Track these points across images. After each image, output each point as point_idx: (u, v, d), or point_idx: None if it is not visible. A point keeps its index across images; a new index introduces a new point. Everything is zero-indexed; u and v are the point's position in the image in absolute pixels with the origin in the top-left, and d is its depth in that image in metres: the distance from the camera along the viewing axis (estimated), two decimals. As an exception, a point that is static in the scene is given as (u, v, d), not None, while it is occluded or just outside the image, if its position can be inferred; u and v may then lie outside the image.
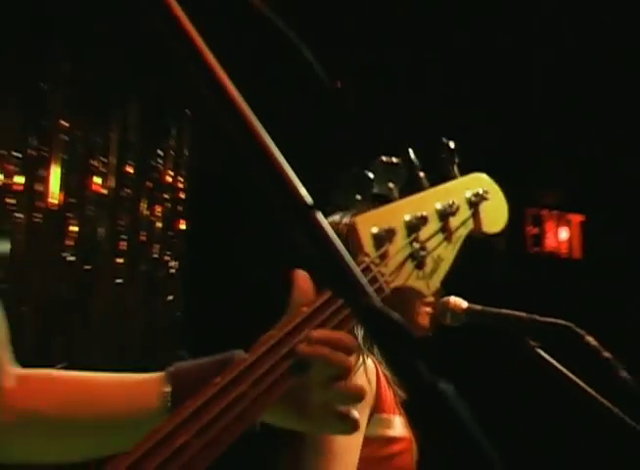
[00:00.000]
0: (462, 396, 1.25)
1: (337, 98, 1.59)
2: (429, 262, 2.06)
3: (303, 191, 1.35)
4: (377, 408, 3.81)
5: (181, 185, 6.55)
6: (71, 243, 6.17)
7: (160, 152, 6.47)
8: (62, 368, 2.15)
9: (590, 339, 3.70)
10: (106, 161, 6.35)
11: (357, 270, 1.32)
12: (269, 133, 1.37)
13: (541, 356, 3.80)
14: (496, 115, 6.89)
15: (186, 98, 6.54)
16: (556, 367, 3.81)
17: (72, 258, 6.14)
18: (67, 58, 6.04)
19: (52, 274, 6.17)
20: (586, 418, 4.15)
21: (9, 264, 5.97)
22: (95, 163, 6.31)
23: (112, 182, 6.35)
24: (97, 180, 6.30)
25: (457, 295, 4.04)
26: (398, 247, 2.02)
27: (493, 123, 6.75)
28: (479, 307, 3.99)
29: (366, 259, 1.95)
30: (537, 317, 3.88)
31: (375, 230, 1.99)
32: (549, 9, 7.33)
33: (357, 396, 1.85)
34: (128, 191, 6.42)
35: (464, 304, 3.98)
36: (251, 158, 1.37)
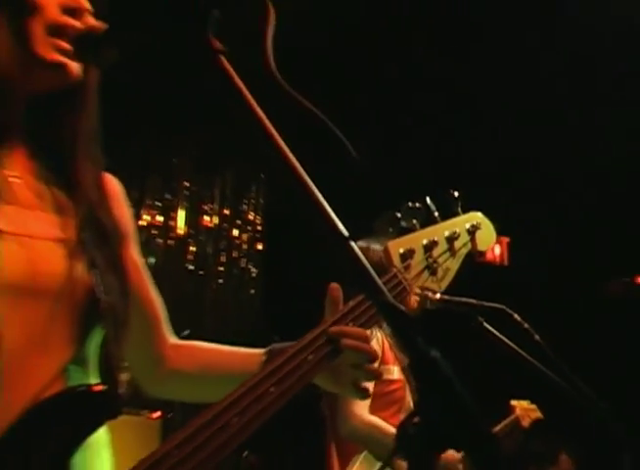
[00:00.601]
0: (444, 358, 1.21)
1: (361, 166, 1.41)
2: (439, 271, 2.05)
3: (341, 226, 1.33)
4: (382, 361, 3.97)
5: (258, 221, 6.68)
6: (191, 258, 6.39)
7: (245, 200, 6.64)
8: (186, 336, 2.09)
9: (516, 316, 3.93)
10: (212, 206, 6.54)
11: (377, 279, 1.31)
12: (318, 188, 1.35)
13: (486, 328, 3.93)
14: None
15: (262, 166, 6.43)
16: (495, 335, 3.92)
17: (192, 268, 6.35)
18: (189, 145, 6.36)
19: (178, 277, 6.34)
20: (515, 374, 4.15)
21: (152, 272, 6.08)
22: (205, 207, 6.50)
23: (215, 220, 6.55)
24: (207, 218, 6.51)
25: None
26: (417, 261, 2.02)
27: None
28: (446, 297, 3.92)
29: (394, 270, 1.96)
30: (483, 303, 4.03)
31: (401, 251, 2.00)
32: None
33: (374, 377, 1.84)
34: (225, 225, 6.60)
35: (437, 295, 3.85)
36: (307, 205, 1.35)
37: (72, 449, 1.49)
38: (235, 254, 6.62)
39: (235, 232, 6.65)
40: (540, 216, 6.82)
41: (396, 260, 1.99)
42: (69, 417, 1.50)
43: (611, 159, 6.17)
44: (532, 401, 4.44)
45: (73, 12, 1.60)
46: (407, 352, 1.26)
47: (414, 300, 4.12)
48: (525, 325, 3.84)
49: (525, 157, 6.39)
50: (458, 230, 2.12)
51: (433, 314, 4.08)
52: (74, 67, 1.62)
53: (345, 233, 1.33)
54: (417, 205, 2.10)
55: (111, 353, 1.63)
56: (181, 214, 6.40)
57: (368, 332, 1.78)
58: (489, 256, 7.46)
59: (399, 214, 2.09)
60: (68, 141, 1.68)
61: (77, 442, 1.50)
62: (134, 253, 1.88)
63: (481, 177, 5.96)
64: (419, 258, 2.03)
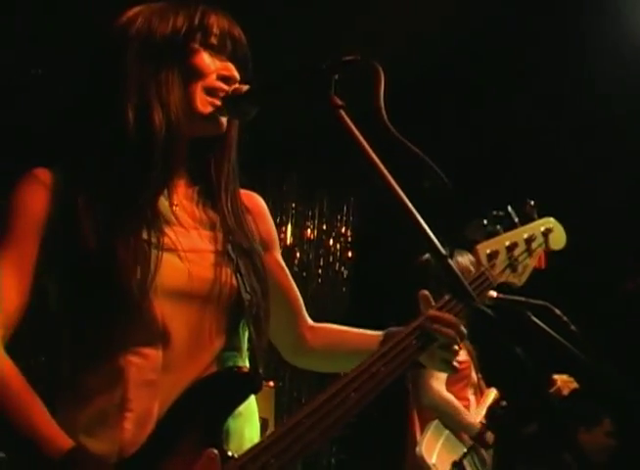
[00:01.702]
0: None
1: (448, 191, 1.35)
2: (519, 268, 1.99)
3: (440, 245, 1.29)
4: None
5: (349, 234, 6.58)
6: (297, 263, 6.31)
7: (338, 217, 6.56)
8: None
9: (557, 311, 3.51)
10: (313, 222, 6.47)
11: (469, 287, 1.29)
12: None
13: (534, 321, 3.78)
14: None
15: (352, 191, 6.58)
16: (541, 327, 3.76)
17: (297, 270, 6.22)
18: (295, 176, 6.39)
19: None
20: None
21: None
22: (308, 223, 6.45)
23: (316, 233, 6.51)
24: (309, 232, 6.46)
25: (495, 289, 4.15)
26: (501, 260, 1.95)
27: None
28: (501, 295, 4.02)
29: (482, 268, 1.91)
30: (530, 300, 3.51)
31: (488, 252, 1.95)
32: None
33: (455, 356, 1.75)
34: (323, 237, 6.51)
35: (495, 293, 4.15)
36: (411, 229, 1.30)
37: (224, 418, 1.50)
38: (330, 260, 6.56)
39: (330, 242, 6.59)
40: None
41: (484, 260, 1.94)
42: (221, 392, 1.51)
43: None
44: (571, 375, 4.33)
45: (227, 79, 1.63)
46: (490, 346, 1.25)
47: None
48: (564, 318, 3.71)
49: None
50: (535, 233, 2.04)
51: (490, 309, 4.03)
52: (223, 120, 1.65)
53: (444, 252, 1.28)
54: (500, 212, 2.05)
55: (254, 342, 1.62)
56: (289, 229, 6.41)
57: (456, 320, 1.72)
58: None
59: (485, 221, 2.03)
60: (215, 174, 1.70)
61: (228, 411, 1.51)
62: (278, 256, 1.86)
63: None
64: (502, 257, 1.97)
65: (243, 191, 1.79)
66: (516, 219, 2.04)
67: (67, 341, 1.55)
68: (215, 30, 1.63)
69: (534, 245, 2.03)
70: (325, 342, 1.90)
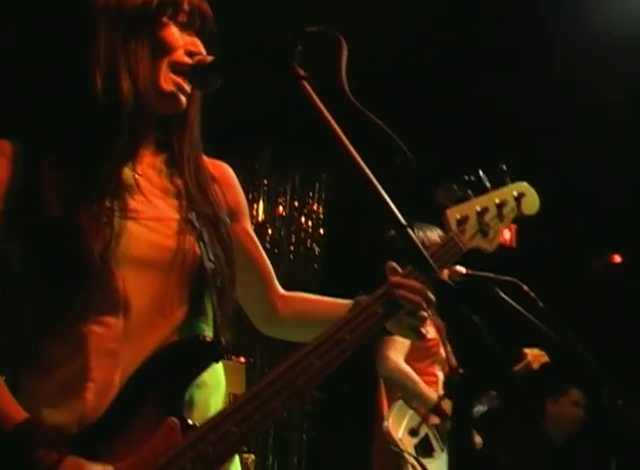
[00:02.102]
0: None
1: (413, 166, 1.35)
2: (490, 233, 1.94)
3: (400, 215, 1.29)
4: None
5: (321, 210, 6.61)
6: (267, 239, 6.32)
7: (310, 194, 6.58)
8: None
9: (528, 289, 3.71)
10: (284, 199, 6.50)
11: (429, 257, 1.29)
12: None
13: (502, 297, 3.72)
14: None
15: (323, 167, 6.57)
16: (508, 302, 3.72)
17: (269, 247, 6.25)
18: (267, 152, 6.39)
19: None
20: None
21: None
22: (279, 200, 6.46)
23: (287, 209, 6.52)
24: (280, 208, 6.49)
25: (461, 264, 3.92)
26: (471, 226, 1.91)
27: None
28: (470, 271, 3.92)
29: (452, 234, 1.86)
30: (499, 276, 3.84)
31: (458, 217, 1.90)
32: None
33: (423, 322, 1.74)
34: (295, 214, 6.53)
35: (464, 269, 3.95)
36: (371, 198, 1.31)
37: (185, 386, 1.50)
38: (302, 236, 6.56)
39: (302, 219, 6.59)
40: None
41: (453, 226, 1.89)
42: (182, 360, 1.51)
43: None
44: (541, 350, 4.40)
45: (194, 55, 1.63)
46: (452, 317, 1.24)
47: (445, 274, 4.04)
48: (532, 294, 3.75)
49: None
50: (507, 198, 1.99)
51: (459, 286, 4.05)
52: (183, 99, 1.65)
53: (404, 222, 1.29)
54: (471, 177, 1.99)
55: (215, 310, 1.62)
56: (260, 206, 6.41)
57: (422, 286, 1.70)
58: (502, 239, 7.36)
59: (455, 186, 1.97)
60: (177, 145, 1.70)
61: (189, 380, 1.51)
62: (247, 226, 1.86)
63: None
64: (473, 222, 1.92)
65: (211, 160, 1.79)
66: (488, 184, 2.00)
67: (28, 309, 1.54)
68: (186, 6, 1.64)
69: (506, 210, 1.99)
70: (296, 311, 1.90)
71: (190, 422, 1.45)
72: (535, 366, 4.28)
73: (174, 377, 1.49)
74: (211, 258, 1.60)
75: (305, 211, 6.58)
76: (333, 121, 1.36)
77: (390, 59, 5.27)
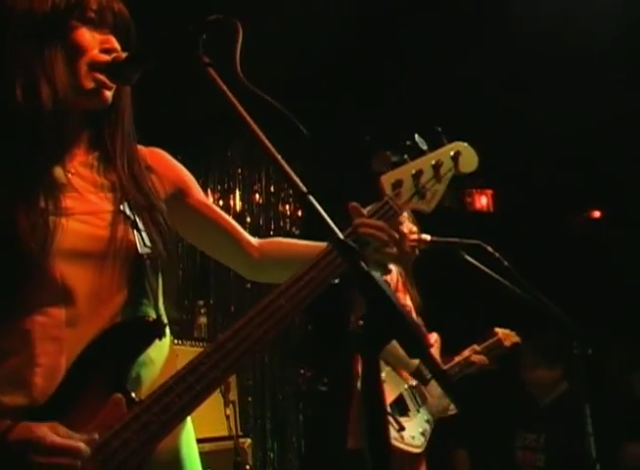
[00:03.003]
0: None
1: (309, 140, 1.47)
2: (428, 195, 1.97)
3: (300, 183, 1.37)
4: (394, 290, 3.97)
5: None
6: (245, 225, 6.28)
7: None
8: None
9: (489, 248, 3.77)
10: (260, 187, 6.56)
11: (331, 223, 1.36)
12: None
13: (468, 260, 3.89)
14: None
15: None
16: (475, 265, 3.87)
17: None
18: (238, 141, 6.39)
19: None
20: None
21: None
22: (256, 188, 6.52)
23: (264, 196, 6.59)
24: (257, 196, 6.54)
25: (426, 232, 4.02)
26: (407, 189, 1.94)
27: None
28: (435, 238, 3.94)
29: (386, 198, 1.90)
30: (464, 240, 3.94)
31: (392, 181, 1.94)
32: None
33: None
34: (272, 199, 6.61)
35: (428, 237, 3.96)
36: (276, 168, 1.42)
37: (128, 364, 1.60)
38: (281, 223, 6.62)
39: (279, 204, 6.64)
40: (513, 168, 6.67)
41: (388, 191, 1.93)
42: (123, 340, 1.61)
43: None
44: (512, 329, 4.50)
45: (109, 51, 1.71)
46: (354, 275, 1.30)
47: (408, 246, 4.10)
48: (497, 255, 3.83)
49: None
50: (442, 158, 2.01)
51: (426, 253, 4.12)
52: (107, 94, 1.73)
53: (304, 189, 1.38)
54: (407, 142, 2.02)
55: (154, 291, 1.71)
56: (237, 195, 6.47)
57: (383, 223, 1.82)
58: (478, 205, 7.37)
59: (389, 152, 2.01)
60: (109, 141, 1.79)
61: (131, 358, 1.61)
62: (198, 195, 1.96)
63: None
64: (408, 185, 1.95)
65: (145, 149, 1.88)
66: (424, 147, 2.02)
67: None
68: (93, 5, 1.71)
69: (443, 170, 2.01)
70: (274, 254, 2.02)
71: (134, 397, 1.56)
72: (507, 344, 4.39)
73: (117, 356, 1.58)
74: (147, 243, 1.70)
75: (282, 195, 6.63)
76: (237, 104, 1.46)
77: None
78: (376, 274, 1.30)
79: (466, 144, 2.06)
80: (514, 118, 6.08)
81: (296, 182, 1.39)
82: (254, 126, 1.45)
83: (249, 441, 5.08)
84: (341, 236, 1.37)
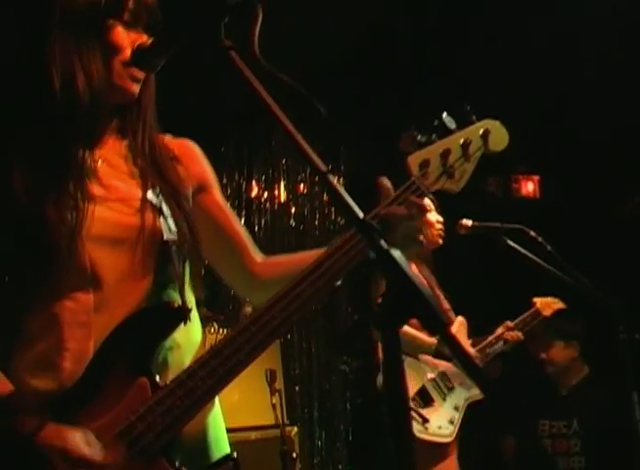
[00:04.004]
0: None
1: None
2: (456, 174, 1.93)
3: (319, 162, 1.36)
4: None
5: (343, 181, 6.51)
6: (290, 215, 6.43)
7: (330, 167, 6.43)
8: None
9: (532, 233, 3.82)
10: (305, 176, 6.51)
11: (351, 203, 1.33)
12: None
13: (510, 245, 3.94)
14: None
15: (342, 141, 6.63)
16: (517, 249, 3.90)
17: (294, 224, 6.36)
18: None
19: (285, 233, 6.36)
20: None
21: (265, 230, 6.32)
22: (300, 177, 6.46)
23: (309, 186, 6.52)
24: (301, 186, 6.52)
25: (468, 217, 4.12)
26: (434, 168, 1.91)
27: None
28: (476, 223, 4.06)
29: (413, 178, 1.87)
30: (505, 225, 3.99)
31: (419, 161, 1.91)
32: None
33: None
34: (317, 189, 6.52)
35: (470, 222, 4.08)
36: (296, 151, 1.38)
37: (153, 348, 1.62)
38: (326, 211, 6.54)
39: (324, 194, 6.54)
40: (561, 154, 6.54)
41: (416, 171, 1.89)
42: (147, 325, 1.63)
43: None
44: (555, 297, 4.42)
45: None
46: (374, 251, 1.28)
47: (434, 235, 4.08)
48: (540, 239, 3.80)
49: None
50: (471, 137, 1.96)
51: (467, 237, 4.10)
52: (134, 88, 1.75)
53: (323, 168, 1.36)
54: (435, 121, 1.98)
55: (179, 277, 1.73)
56: (282, 185, 6.44)
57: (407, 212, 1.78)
58: (525, 191, 7.29)
59: (416, 131, 1.97)
60: (132, 131, 1.82)
61: (156, 342, 1.63)
62: (217, 197, 1.94)
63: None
64: (435, 165, 1.91)
65: (175, 140, 1.90)
66: (453, 126, 1.98)
67: (6, 292, 1.66)
68: (130, 4, 1.74)
69: (472, 149, 1.97)
70: (274, 273, 1.95)
71: (159, 381, 1.58)
72: (547, 313, 4.30)
73: (142, 341, 1.61)
74: (173, 230, 1.72)
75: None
76: (259, 87, 1.45)
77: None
78: (396, 253, 1.28)
79: (496, 122, 2.01)
80: (563, 105, 6.02)
81: (315, 161, 1.37)
82: (275, 107, 1.44)
83: (295, 429, 5.11)
84: (361, 215, 1.34)
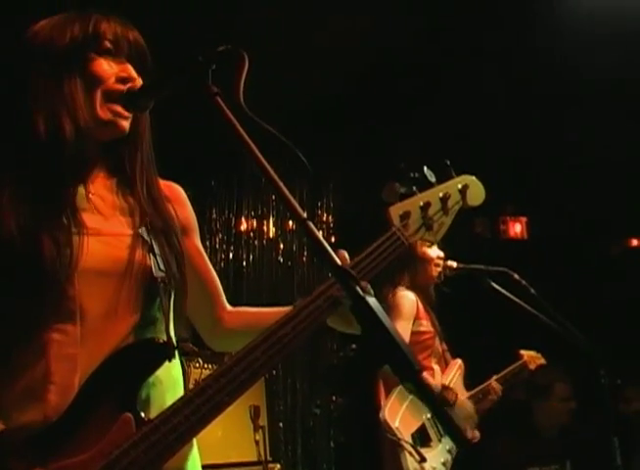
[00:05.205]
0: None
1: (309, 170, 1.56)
2: (435, 226, 2.01)
3: (300, 210, 1.44)
4: (416, 317, 4.03)
5: (330, 220, 6.71)
6: (279, 251, 6.46)
7: (318, 205, 6.69)
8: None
9: (516, 276, 3.91)
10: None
11: (329, 250, 1.40)
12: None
13: (493, 287, 4.04)
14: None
15: (330, 178, 6.73)
16: (500, 291, 4.01)
17: (282, 260, 6.38)
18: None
19: (273, 268, 6.36)
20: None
21: (252, 265, 6.35)
22: (289, 214, 6.60)
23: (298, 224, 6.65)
24: (290, 222, 6.54)
25: (454, 259, 4.22)
26: (414, 220, 1.98)
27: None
28: (461, 265, 4.17)
29: (394, 228, 1.93)
30: (489, 267, 4.09)
31: (400, 213, 1.98)
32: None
33: None
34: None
35: (455, 263, 4.18)
36: (278, 196, 1.46)
37: (138, 384, 1.65)
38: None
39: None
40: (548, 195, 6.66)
41: (396, 222, 1.96)
42: (134, 360, 1.66)
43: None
44: (537, 351, 4.50)
45: (125, 80, 1.78)
46: (349, 298, 1.35)
47: (435, 270, 4.15)
48: (523, 282, 3.86)
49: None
50: (450, 191, 2.05)
51: (452, 279, 4.16)
52: (124, 123, 1.79)
53: (304, 216, 1.43)
54: (416, 174, 2.06)
55: (165, 313, 1.75)
56: (271, 221, 6.52)
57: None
58: (512, 233, 7.40)
59: (398, 184, 2.04)
60: (129, 165, 1.86)
61: (141, 378, 1.66)
62: (197, 242, 2.00)
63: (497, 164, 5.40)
64: (415, 217, 1.99)
65: (163, 181, 1.94)
66: (433, 179, 2.06)
67: None
68: (109, 36, 1.78)
69: (450, 203, 2.05)
70: (242, 322, 2.03)
71: (144, 417, 1.61)
72: (532, 367, 4.39)
73: (128, 376, 1.63)
74: (162, 267, 1.75)
75: (315, 221, 6.66)
76: (243, 132, 1.52)
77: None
78: (371, 299, 1.35)
79: (474, 178, 2.10)
80: (549, 146, 6.11)
81: (296, 208, 1.44)
82: (259, 155, 1.52)
83: (278, 466, 5.11)
84: (339, 263, 1.41)
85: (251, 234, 6.44)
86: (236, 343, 1.93)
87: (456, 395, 3.98)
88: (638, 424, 5.05)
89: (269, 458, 4.90)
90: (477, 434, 4.09)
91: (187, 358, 4.62)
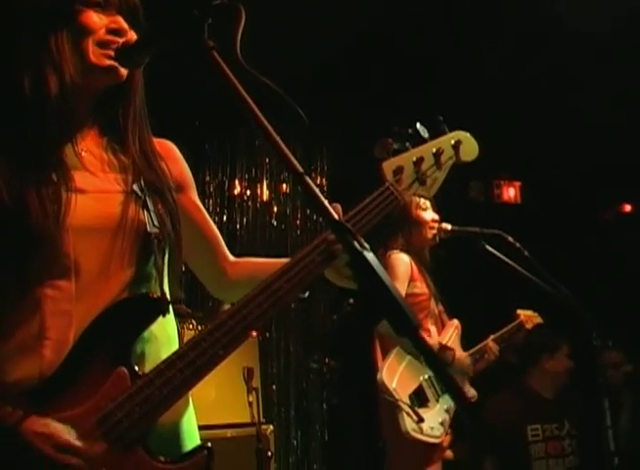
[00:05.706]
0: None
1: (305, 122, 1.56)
2: (428, 182, 2.02)
3: (296, 163, 1.41)
4: (410, 279, 4.00)
5: (324, 183, 6.72)
6: (272, 214, 6.49)
7: (312, 168, 6.65)
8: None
9: (510, 238, 3.96)
10: (287, 175, 6.48)
11: (326, 204, 1.39)
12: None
13: (488, 250, 4.03)
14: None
15: (324, 140, 6.72)
16: (495, 254, 4.01)
17: (275, 223, 6.40)
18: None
19: (266, 231, 6.39)
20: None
21: (247, 228, 6.41)
22: (283, 176, 6.52)
23: (291, 185, 6.56)
24: (284, 186, 6.58)
25: (449, 222, 4.18)
26: (407, 175, 1.98)
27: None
28: (456, 228, 4.14)
29: (387, 183, 1.94)
30: (484, 230, 4.09)
31: (393, 168, 1.98)
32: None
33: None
34: (299, 189, 6.70)
35: (449, 226, 4.15)
36: (273, 150, 1.43)
37: (132, 339, 1.66)
38: (308, 211, 6.59)
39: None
40: (542, 160, 6.65)
41: (390, 177, 1.97)
42: (127, 315, 1.66)
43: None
44: (534, 310, 4.52)
45: (117, 32, 1.76)
46: (347, 252, 1.34)
47: (430, 232, 4.15)
48: (517, 245, 3.87)
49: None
50: (443, 147, 2.05)
51: (447, 241, 4.16)
52: (122, 70, 1.77)
53: (300, 169, 1.41)
54: (409, 130, 2.06)
55: (160, 269, 1.76)
56: (265, 183, 6.50)
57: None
58: (506, 197, 7.42)
59: (391, 139, 2.04)
60: (122, 120, 1.85)
61: (135, 333, 1.67)
62: (194, 197, 2.00)
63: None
64: (408, 172, 2.00)
65: (156, 139, 1.93)
66: (426, 135, 2.06)
67: None
68: None
69: (444, 158, 2.06)
70: (245, 273, 2.04)
71: (138, 371, 1.62)
72: (528, 326, 4.42)
73: (122, 331, 1.64)
74: (155, 223, 1.75)
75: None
76: (239, 87, 1.49)
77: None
78: (369, 254, 1.34)
79: (467, 133, 2.10)
80: (545, 111, 6.08)
81: (292, 162, 1.42)
82: (255, 110, 1.49)
83: (271, 428, 5.14)
84: (336, 217, 1.40)
85: (245, 197, 6.44)
86: (242, 293, 1.93)
87: (453, 353, 4.00)
88: (626, 385, 5.10)
89: (262, 420, 4.92)
90: (473, 392, 4.12)
91: (180, 320, 4.61)
